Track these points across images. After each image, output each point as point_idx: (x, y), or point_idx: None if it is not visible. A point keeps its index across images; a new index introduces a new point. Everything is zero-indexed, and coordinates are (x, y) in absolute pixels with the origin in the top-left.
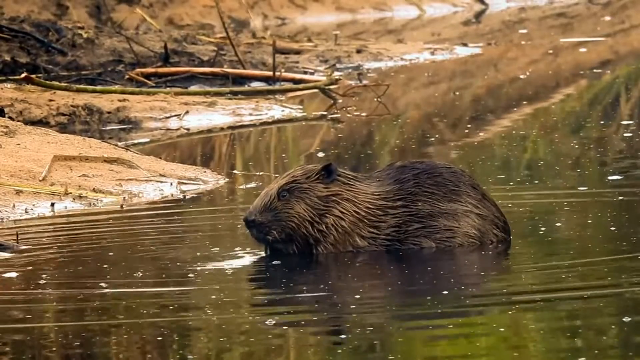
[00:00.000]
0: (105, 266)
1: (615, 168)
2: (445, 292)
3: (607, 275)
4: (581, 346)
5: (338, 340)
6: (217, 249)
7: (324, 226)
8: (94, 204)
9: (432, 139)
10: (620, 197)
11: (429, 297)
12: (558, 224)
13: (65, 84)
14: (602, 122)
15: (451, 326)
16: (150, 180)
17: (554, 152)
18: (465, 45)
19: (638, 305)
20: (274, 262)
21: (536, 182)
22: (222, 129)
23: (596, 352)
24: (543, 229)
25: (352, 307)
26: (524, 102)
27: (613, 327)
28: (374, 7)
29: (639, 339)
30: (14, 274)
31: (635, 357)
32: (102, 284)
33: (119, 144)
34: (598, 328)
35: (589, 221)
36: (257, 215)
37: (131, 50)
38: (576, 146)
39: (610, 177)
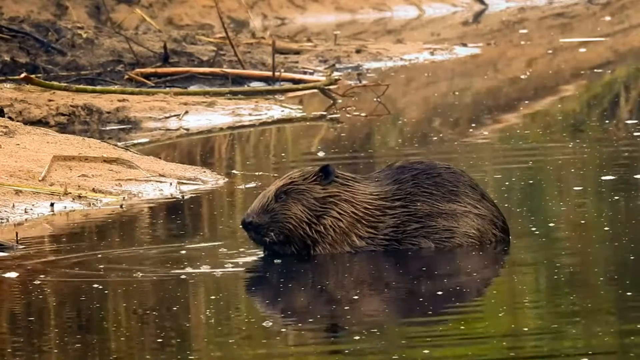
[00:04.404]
0: (104, 266)
1: (611, 168)
2: (440, 293)
3: (599, 275)
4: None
5: (336, 340)
6: (216, 249)
7: (321, 227)
8: (93, 204)
9: (432, 139)
10: (616, 197)
11: (428, 297)
12: (551, 224)
13: (65, 84)
14: (601, 122)
15: (450, 326)
16: (150, 181)
17: (552, 151)
18: (464, 45)
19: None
20: (272, 263)
21: (532, 181)
22: (221, 129)
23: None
24: (541, 229)
25: (350, 307)
26: (524, 102)
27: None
28: (374, 7)
29: None
30: (14, 274)
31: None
32: (101, 285)
33: (119, 144)
34: (593, 298)
35: (583, 221)
36: (254, 217)
37: (131, 50)
38: (575, 146)
39: (604, 177)
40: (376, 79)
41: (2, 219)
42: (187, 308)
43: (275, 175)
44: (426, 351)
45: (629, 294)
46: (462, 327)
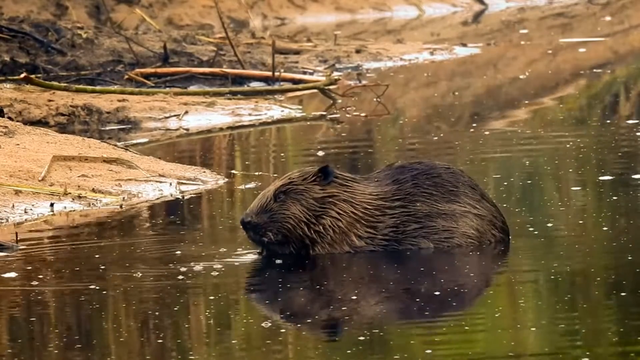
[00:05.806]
0: (103, 267)
1: (611, 168)
2: (437, 293)
3: (597, 276)
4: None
5: (334, 341)
6: (216, 249)
7: (320, 227)
8: (93, 204)
9: (431, 139)
10: (614, 197)
11: (426, 297)
12: (549, 225)
13: (65, 84)
14: (600, 122)
15: (449, 326)
16: (150, 181)
17: (552, 150)
18: (464, 45)
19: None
20: (271, 263)
21: (530, 181)
22: (221, 129)
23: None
24: (539, 229)
25: (349, 307)
26: (524, 102)
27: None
28: (374, 7)
29: None
30: (13, 274)
31: None
32: (100, 285)
33: (118, 144)
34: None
35: (581, 222)
36: (253, 216)
37: (130, 50)
38: (574, 145)
39: (602, 178)
40: (376, 79)
41: (2, 219)
42: (186, 308)
43: (275, 175)
44: (422, 351)
45: (623, 294)
46: (460, 327)
